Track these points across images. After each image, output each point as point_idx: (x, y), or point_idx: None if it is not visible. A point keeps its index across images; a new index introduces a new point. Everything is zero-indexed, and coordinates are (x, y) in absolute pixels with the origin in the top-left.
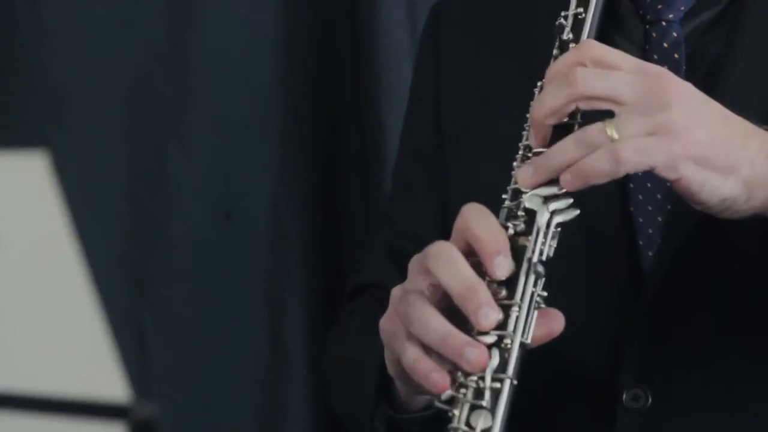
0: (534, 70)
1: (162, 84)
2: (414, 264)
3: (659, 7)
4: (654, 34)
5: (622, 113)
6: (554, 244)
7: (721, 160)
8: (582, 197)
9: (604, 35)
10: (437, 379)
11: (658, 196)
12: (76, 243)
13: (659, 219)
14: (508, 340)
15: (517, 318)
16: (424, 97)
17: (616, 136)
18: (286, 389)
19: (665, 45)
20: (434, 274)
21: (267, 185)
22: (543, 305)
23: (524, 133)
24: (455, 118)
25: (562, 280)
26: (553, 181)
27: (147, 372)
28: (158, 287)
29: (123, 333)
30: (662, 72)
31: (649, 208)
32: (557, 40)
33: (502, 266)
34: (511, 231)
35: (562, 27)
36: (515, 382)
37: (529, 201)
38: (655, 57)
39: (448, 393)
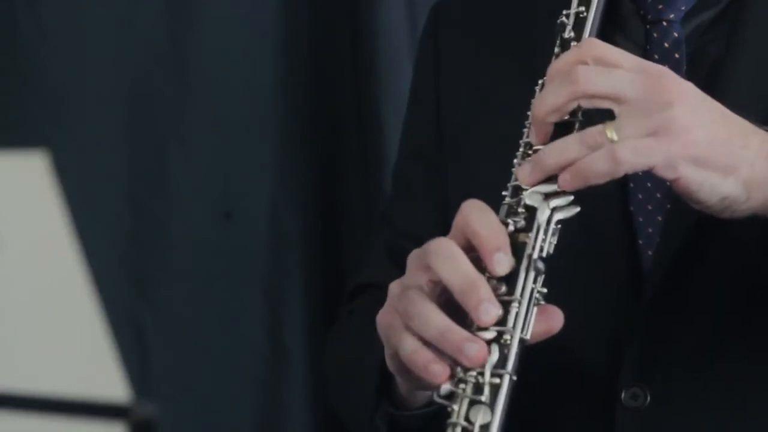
0: (534, 70)
1: (162, 84)
2: (413, 260)
3: (660, 7)
4: (655, 34)
5: (622, 114)
6: (554, 241)
7: (720, 159)
8: (582, 196)
9: (605, 35)
10: (436, 369)
11: (658, 195)
12: (76, 243)
13: (659, 218)
14: (507, 336)
15: (517, 314)
16: (424, 97)
17: (616, 138)
18: (286, 389)
19: (666, 45)
20: (434, 270)
21: (267, 185)
22: (542, 302)
23: (525, 130)
24: (455, 118)
25: (562, 279)
26: (554, 178)
27: (147, 372)
28: (158, 287)
29: (123, 333)
30: (663, 71)
31: (649, 207)
32: (559, 38)
33: (501, 263)
34: (511, 227)
35: (563, 25)
36: (514, 377)
37: (529, 198)
38: (656, 57)
39: (447, 388)
